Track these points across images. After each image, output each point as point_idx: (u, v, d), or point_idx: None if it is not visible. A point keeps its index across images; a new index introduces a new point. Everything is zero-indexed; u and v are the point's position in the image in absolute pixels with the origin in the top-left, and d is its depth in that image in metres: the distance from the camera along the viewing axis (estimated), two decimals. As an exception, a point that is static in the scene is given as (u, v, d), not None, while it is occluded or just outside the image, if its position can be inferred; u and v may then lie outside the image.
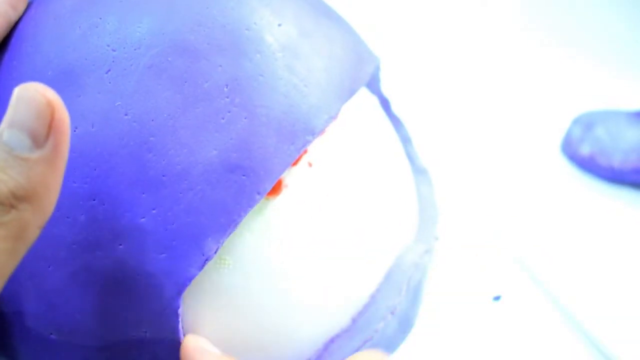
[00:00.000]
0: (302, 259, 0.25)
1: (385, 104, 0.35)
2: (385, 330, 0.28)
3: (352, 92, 0.26)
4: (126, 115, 0.23)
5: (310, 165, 0.26)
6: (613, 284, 0.40)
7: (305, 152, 0.26)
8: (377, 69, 0.33)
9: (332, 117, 0.25)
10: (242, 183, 0.23)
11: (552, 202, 0.45)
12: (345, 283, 0.27)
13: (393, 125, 0.35)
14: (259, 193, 0.23)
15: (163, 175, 0.23)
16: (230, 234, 0.23)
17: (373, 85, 0.34)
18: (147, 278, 0.23)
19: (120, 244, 0.23)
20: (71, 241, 0.23)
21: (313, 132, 0.24)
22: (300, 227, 0.25)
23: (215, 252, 0.23)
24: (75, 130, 0.23)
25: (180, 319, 0.23)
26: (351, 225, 0.27)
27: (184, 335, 0.24)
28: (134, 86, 0.23)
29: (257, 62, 0.24)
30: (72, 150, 0.23)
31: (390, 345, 0.28)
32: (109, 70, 0.23)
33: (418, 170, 0.34)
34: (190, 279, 0.23)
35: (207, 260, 0.23)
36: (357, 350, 0.27)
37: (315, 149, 0.26)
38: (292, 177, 0.25)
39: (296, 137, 0.24)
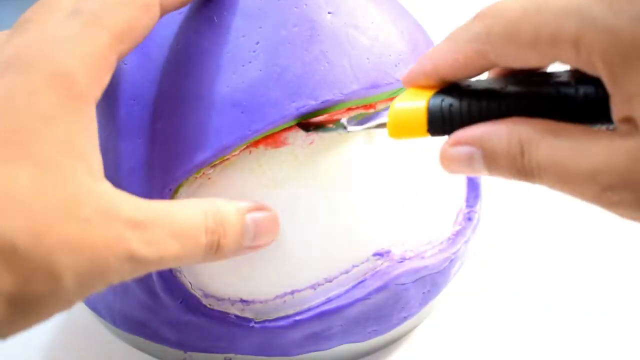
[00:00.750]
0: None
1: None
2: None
3: (376, 84, 0.30)
4: (178, 45, 0.29)
5: (312, 142, 0.30)
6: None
7: (313, 125, 0.30)
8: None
9: (345, 95, 0.29)
10: (238, 117, 0.28)
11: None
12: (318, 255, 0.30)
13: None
14: (250, 130, 0.28)
15: (183, 95, 0.29)
16: (218, 156, 0.28)
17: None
18: (149, 169, 0.29)
19: (139, 138, 0.29)
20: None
21: (316, 99, 0.28)
22: (287, 185, 0.29)
23: (203, 166, 0.28)
24: (142, 49, 0.30)
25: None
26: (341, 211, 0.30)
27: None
28: (192, 26, 0.30)
29: (292, 32, 0.29)
30: (133, 64, 0.30)
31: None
32: (181, 12, 0.30)
33: None
34: (178, 179, 0.28)
35: (193, 168, 0.28)
36: None
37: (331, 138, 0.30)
38: (296, 139, 0.29)
39: (298, 98, 0.28)
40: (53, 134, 0.22)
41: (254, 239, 0.27)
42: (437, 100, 0.24)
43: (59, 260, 0.21)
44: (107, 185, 0.23)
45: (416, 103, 0.24)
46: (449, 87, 0.24)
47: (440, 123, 0.24)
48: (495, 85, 0.23)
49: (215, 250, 0.26)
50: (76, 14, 0.24)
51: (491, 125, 0.23)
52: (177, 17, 0.30)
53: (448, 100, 0.24)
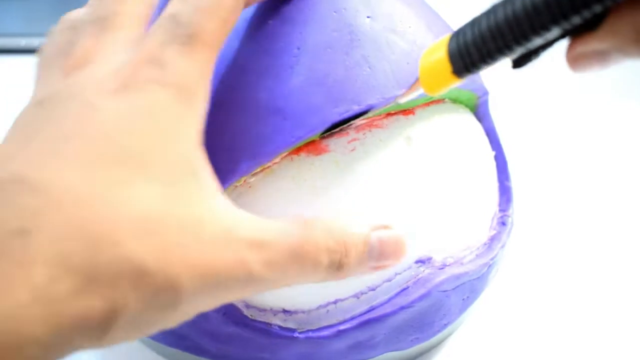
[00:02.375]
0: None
1: (492, 136, 0.37)
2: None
3: (417, 89, 0.29)
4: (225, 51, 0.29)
5: (353, 149, 0.29)
6: None
7: (358, 132, 0.29)
8: (483, 102, 0.35)
9: (387, 99, 0.29)
10: (280, 124, 0.27)
11: None
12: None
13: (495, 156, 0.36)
14: (293, 137, 0.27)
15: (223, 102, 0.28)
16: (261, 163, 0.28)
17: (481, 117, 0.36)
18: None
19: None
20: None
21: (359, 104, 0.28)
22: (329, 192, 0.29)
23: (246, 174, 0.28)
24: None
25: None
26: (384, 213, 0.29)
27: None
28: (237, 33, 0.29)
29: (332, 37, 0.29)
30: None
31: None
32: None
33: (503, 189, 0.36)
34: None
35: (236, 177, 0.27)
36: None
37: (370, 136, 0.30)
38: (337, 146, 0.29)
39: (341, 103, 0.28)
40: (177, 152, 0.22)
41: (379, 259, 0.26)
42: (453, 39, 0.24)
43: (183, 283, 0.21)
44: (227, 203, 0.23)
45: (438, 51, 0.25)
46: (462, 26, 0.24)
47: (460, 59, 0.24)
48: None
49: (336, 269, 0.25)
50: (176, 23, 0.24)
51: None
52: (214, 24, 0.30)
53: (461, 33, 0.23)
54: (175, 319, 0.22)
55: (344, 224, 0.25)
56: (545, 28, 0.20)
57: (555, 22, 0.20)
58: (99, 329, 0.20)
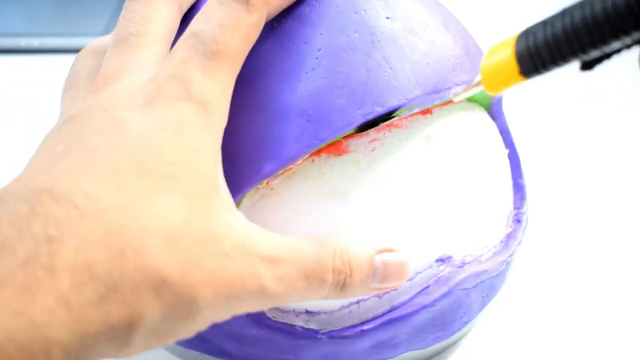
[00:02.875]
0: (339, 226, 0.29)
1: (505, 134, 0.37)
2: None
3: (437, 89, 0.29)
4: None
5: (374, 149, 0.29)
6: None
7: (378, 132, 0.29)
8: (497, 101, 0.35)
9: (409, 100, 0.29)
10: (305, 126, 0.27)
11: None
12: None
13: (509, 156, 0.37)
14: (317, 139, 0.27)
15: (246, 104, 0.28)
16: (284, 166, 0.28)
17: (495, 116, 0.36)
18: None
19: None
20: None
21: (382, 105, 0.28)
22: (350, 193, 0.29)
23: (269, 176, 0.28)
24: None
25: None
26: (406, 214, 0.30)
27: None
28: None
29: (353, 39, 0.29)
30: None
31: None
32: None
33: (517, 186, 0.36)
34: (242, 191, 0.28)
35: (259, 179, 0.27)
36: None
37: (390, 136, 0.30)
38: (358, 147, 0.29)
39: (364, 104, 0.28)
40: (199, 167, 0.23)
41: (382, 281, 0.27)
42: (521, 39, 0.24)
43: (201, 295, 0.21)
44: (242, 218, 0.24)
45: (503, 50, 0.24)
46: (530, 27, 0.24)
47: (529, 60, 0.23)
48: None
49: (340, 288, 0.26)
50: (199, 40, 0.24)
51: None
52: (233, 25, 0.30)
53: (531, 33, 0.23)
54: (192, 329, 0.22)
55: (351, 245, 0.27)
56: (626, 33, 0.20)
57: (637, 27, 0.20)
58: (121, 336, 0.20)
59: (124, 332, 0.20)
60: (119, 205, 0.21)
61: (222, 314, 0.23)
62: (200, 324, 0.23)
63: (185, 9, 0.29)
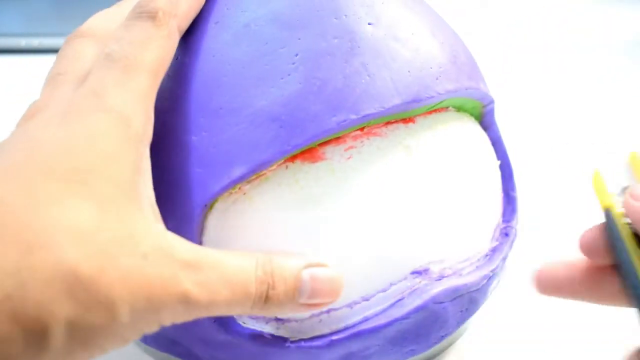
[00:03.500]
0: (312, 233, 0.28)
1: (498, 145, 0.36)
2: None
3: (417, 98, 0.29)
4: (213, 56, 0.29)
5: (350, 157, 0.29)
6: None
7: (355, 140, 0.29)
8: (489, 111, 0.35)
9: (387, 109, 0.28)
10: (277, 132, 0.27)
11: None
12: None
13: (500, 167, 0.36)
14: (289, 145, 0.27)
15: (220, 108, 0.28)
16: (256, 171, 0.27)
17: (487, 126, 0.35)
18: (184, 184, 0.28)
19: (174, 152, 0.28)
20: None
21: (357, 113, 0.28)
22: (325, 200, 0.28)
23: (240, 181, 0.27)
24: (177, 59, 0.29)
25: (201, 232, 0.28)
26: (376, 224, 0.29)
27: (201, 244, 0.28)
28: (228, 37, 0.29)
29: (332, 44, 0.28)
30: (168, 76, 0.29)
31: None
32: (217, 22, 0.29)
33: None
34: (214, 195, 0.27)
35: (230, 183, 0.27)
36: None
37: (368, 145, 0.29)
38: (334, 154, 0.29)
39: (339, 111, 0.27)
40: (114, 174, 0.23)
41: (311, 296, 0.27)
42: None
43: (118, 294, 0.21)
44: (162, 227, 0.24)
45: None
46: None
47: None
48: None
49: (264, 301, 0.26)
50: (111, 60, 0.25)
51: None
52: (213, 28, 0.29)
53: None
54: (117, 334, 0.22)
55: (276, 258, 0.26)
56: None
57: None
58: (37, 338, 0.20)
59: (38, 333, 0.20)
60: (26, 206, 0.21)
61: (147, 321, 0.23)
62: (125, 329, 0.22)
63: None
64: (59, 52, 0.28)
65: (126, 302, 0.21)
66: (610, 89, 0.57)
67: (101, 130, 0.23)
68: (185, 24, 0.29)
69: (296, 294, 0.26)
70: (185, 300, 0.23)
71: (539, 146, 0.51)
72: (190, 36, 0.30)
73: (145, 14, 0.26)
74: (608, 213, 0.26)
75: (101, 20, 0.30)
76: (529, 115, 0.55)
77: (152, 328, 0.23)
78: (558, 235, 0.43)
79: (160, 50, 0.26)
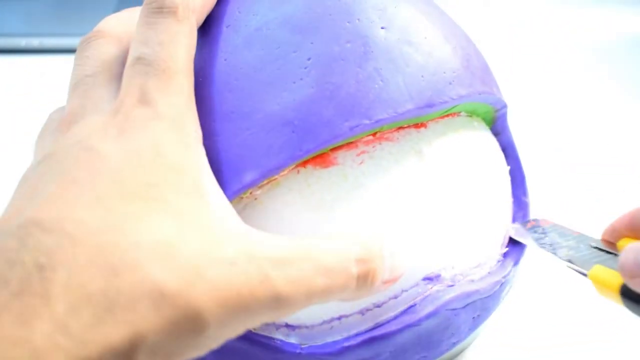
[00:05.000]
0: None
1: (510, 149, 0.36)
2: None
3: (431, 103, 0.29)
4: (225, 60, 0.28)
5: (362, 162, 0.29)
6: None
7: (367, 145, 0.29)
8: (502, 115, 0.34)
9: (400, 114, 0.28)
10: (289, 137, 0.27)
11: None
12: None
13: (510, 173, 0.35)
14: (301, 150, 0.27)
15: (232, 112, 0.27)
16: (267, 176, 0.27)
17: (499, 131, 0.35)
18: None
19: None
20: None
21: (370, 118, 0.27)
22: (336, 206, 0.28)
23: (252, 186, 0.27)
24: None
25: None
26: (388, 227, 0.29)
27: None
28: (240, 40, 0.29)
29: (345, 49, 0.28)
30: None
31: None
32: (229, 25, 0.29)
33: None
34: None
35: (242, 189, 0.27)
36: None
37: (380, 150, 0.29)
38: (346, 159, 0.28)
39: (352, 117, 0.27)
40: (183, 183, 0.23)
41: (390, 273, 0.26)
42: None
43: (206, 307, 0.21)
44: (242, 224, 0.24)
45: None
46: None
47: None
48: None
49: (366, 281, 0.25)
50: (145, 63, 0.25)
51: None
52: (224, 31, 0.29)
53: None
54: (201, 346, 0.22)
55: (364, 234, 0.26)
56: None
57: None
58: (125, 358, 0.20)
59: (127, 353, 0.20)
60: (107, 227, 0.21)
61: (233, 329, 0.22)
62: (210, 340, 0.22)
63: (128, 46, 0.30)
64: (80, 53, 0.28)
65: (214, 314, 0.21)
66: (617, 90, 0.57)
67: (161, 139, 0.23)
68: (201, 19, 0.29)
69: (384, 271, 0.26)
70: (277, 299, 0.22)
71: (549, 151, 0.51)
72: (201, 39, 0.29)
73: (166, 10, 0.26)
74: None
75: (116, 21, 0.30)
76: (537, 119, 0.54)
77: (238, 333, 0.22)
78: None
79: (188, 48, 0.26)
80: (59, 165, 0.23)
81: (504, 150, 0.36)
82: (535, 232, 0.32)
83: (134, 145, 0.23)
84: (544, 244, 0.31)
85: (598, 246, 0.29)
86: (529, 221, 0.34)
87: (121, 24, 0.30)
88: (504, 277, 0.32)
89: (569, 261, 0.29)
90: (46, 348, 0.18)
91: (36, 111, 0.55)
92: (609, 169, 0.49)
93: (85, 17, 0.67)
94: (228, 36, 0.29)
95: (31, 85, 0.59)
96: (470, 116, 0.33)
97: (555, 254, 0.30)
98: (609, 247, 0.29)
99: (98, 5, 0.69)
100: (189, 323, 0.20)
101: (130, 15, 0.31)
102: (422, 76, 0.29)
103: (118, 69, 0.28)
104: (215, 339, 0.22)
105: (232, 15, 0.30)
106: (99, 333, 0.19)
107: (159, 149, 0.23)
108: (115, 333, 0.19)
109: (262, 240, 0.23)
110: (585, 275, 0.28)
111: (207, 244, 0.22)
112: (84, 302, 0.19)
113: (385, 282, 0.26)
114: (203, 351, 0.22)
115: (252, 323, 0.22)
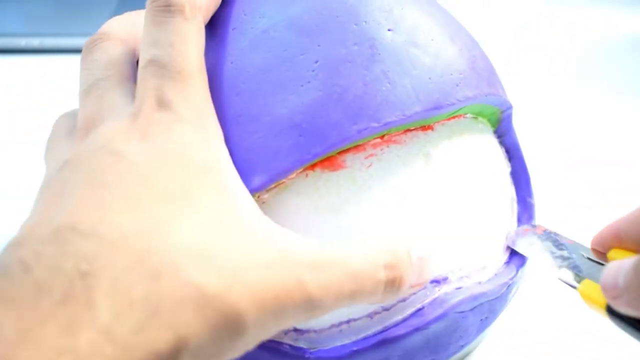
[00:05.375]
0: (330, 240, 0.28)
1: (515, 150, 0.36)
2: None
3: (438, 105, 0.28)
4: (232, 62, 0.28)
5: (370, 165, 0.28)
6: None
7: (375, 148, 0.29)
8: (507, 117, 0.34)
9: (408, 117, 0.28)
10: (297, 140, 0.27)
11: None
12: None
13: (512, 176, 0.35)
14: (309, 153, 0.27)
15: (239, 115, 0.27)
16: (275, 180, 0.27)
17: (504, 132, 0.35)
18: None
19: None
20: None
21: (378, 121, 0.27)
22: (345, 209, 0.28)
23: (260, 190, 0.27)
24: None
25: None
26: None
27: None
28: (246, 43, 0.28)
29: (352, 51, 0.28)
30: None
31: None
32: (235, 28, 0.29)
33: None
34: None
35: (250, 192, 0.27)
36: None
37: (388, 152, 0.29)
38: (354, 162, 0.28)
39: (360, 120, 0.27)
40: (213, 184, 0.23)
41: (418, 277, 0.27)
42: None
43: (245, 308, 0.21)
44: (270, 223, 0.24)
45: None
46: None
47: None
48: None
49: (395, 285, 0.25)
50: (159, 65, 0.25)
51: None
52: (230, 34, 0.29)
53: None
54: (240, 348, 0.22)
55: (392, 240, 0.26)
56: None
57: None
58: None
59: (170, 357, 0.20)
60: (143, 230, 0.21)
61: (269, 330, 0.22)
62: (246, 342, 0.22)
63: (135, 48, 0.30)
64: (86, 57, 0.28)
65: (254, 316, 0.21)
66: (621, 90, 0.57)
67: (185, 141, 0.23)
68: (207, 18, 0.28)
69: (412, 276, 0.26)
70: (310, 302, 0.22)
71: (553, 151, 0.51)
72: (206, 42, 0.29)
73: (173, 8, 0.26)
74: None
75: (119, 24, 0.30)
76: (541, 119, 0.54)
77: (272, 334, 0.23)
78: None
79: (199, 47, 0.26)
80: (83, 170, 0.23)
81: (508, 151, 0.36)
82: (530, 241, 0.32)
83: (160, 148, 0.23)
84: (537, 253, 0.31)
85: (590, 257, 0.29)
86: (525, 228, 0.33)
87: (125, 26, 0.30)
88: (511, 278, 0.32)
89: (560, 275, 0.29)
90: (91, 356, 0.18)
91: (36, 111, 0.54)
92: (615, 168, 0.49)
93: (85, 17, 0.67)
94: (234, 39, 0.29)
95: (31, 85, 0.58)
96: (476, 118, 0.33)
97: (548, 265, 0.30)
98: (600, 258, 0.29)
99: (98, 6, 0.68)
100: (230, 325, 0.20)
101: (133, 17, 0.30)
102: (430, 78, 0.29)
103: (128, 71, 0.28)
104: (251, 341, 0.22)
105: (237, 17, 0.29)
106: (143, 338, 0.19)
107: (184, 151, 0.23)
108: (159, 338, 0.19)
109: (293, 243, 0.23)
110: (575, 288, 0.28)
111: (242, 246, 0.22)
112: (128, 307, 0.19)
113: (412, 287, 0.27)
114: (238, 354, 0.22)
115: (285, 325, 0.23)
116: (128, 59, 0.28)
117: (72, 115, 0.29)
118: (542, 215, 0.41)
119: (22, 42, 0.63)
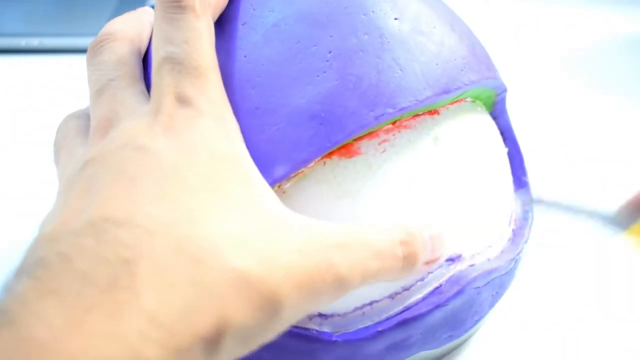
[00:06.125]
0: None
1: (508, 132, 0.37)
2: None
3: (447, 90, 0.30)
4: (245, 57, 0.29)
5: (384, 151, 0.29)
6: None
7: (388, 133, 0.29)
8: (501, 100, 0.36)
9: (419, 101, 0.29)
10: (317, 130, 0.27)
11: None
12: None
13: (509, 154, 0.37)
14: (329, 142, 0.27)
15: (257, 108, 0.28)
16: (297, 169, 0.27)
17: (498, 115, 0.36)
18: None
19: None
20: None
21: (394, 107, 0.28)
22: (362, 195, 0.29)
23: (281, 180, 0.27)
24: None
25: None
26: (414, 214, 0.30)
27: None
28: (258, 37, 0.29)
29: (363, 41, 0.29)
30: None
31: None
32: (245, 23, 0.29)
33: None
34: None
35: (272, 183, 0.27)
36: None
37: (400, 137, 0.30)
38: (369, 148, 0.29)
39: (376, 106, 0.28)
40: (238, 174, 0.24)
41: (431, 254, 0.28)
42: None
43: (284, 292, 0.21)
44: (296, 214, 0.25)
45: None
46: None
47: None
48: None
49: (410, 261, 0.27)
50: (175, 62, 0.25)
51: None
52: (241, 29, 0.29)
53: None
54: (274, 329, 0.22)
55: (406, 222, 0.28)
56: None
57: None
58: (211, 346, 0.20)
59: (214, 340, 0.20)
60: (179, 220, 0.21)
61: (303, 311, 0.23)
62: (281, 324, 0.22)
63: (141, 47, 0.30)
64: (94, 57, 0.28)
65: (291, 298, 0.22)
66: (623, 81, 0.59)
67: (209, 135, 0.24)
68: (216, 15, 0.29)
69: (425, 252, 0.28)
70: (340, 281, 0.23)
71: (551, 149, 0.52)
72: (217, 38, 0.30)
73: (184, 4, 0.26)
74: None
75: (123, 23, 0.30)
76: (538, 115, 0.56)
77: (302, 316, 0.23)
78: (570, 224, 0.44)
79: (211, 43, 0.26)
80: (108, 167, 0.23)
81: (502, 132, 0.37)
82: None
83: (185, 141, 0.23)
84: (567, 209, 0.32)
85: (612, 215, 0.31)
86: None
87: (129, 25, 0.30)
88: (517, 254, 0.34)
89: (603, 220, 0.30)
90: (139, 341, 0.18)
91: (36, 111, 0.54)
92: (614, 166, 0.50)
93: (85, 17, 0.66)
94: (245, 33, 0.29)
95: (31, 85, 0.57)
96: (474, 101, 0.34)
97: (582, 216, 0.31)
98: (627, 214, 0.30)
99: (98, 5, 0.68)
100: (270, 307, 0.21)
101: (136, 17, 0.31)
102: (437, 64, 0.30)
103: (138, 70, 0.28)
104: (285, 323, 0.23)
105: (246, 12, 0.30)
106: (188, 322, 0.19)
107: (209, 144, 0.24)
108: (203, 321, 0.20)
109: (318, 227, 0.24)
110: (621, 232, 0.29)
111: (272, 232, 0.23)
112: (172, 293, 0.19)
113: (426, 263, 0.28)
114: (272, 336, 0.22)
115: (318, 305, 0.24)
116: (137, 58, 0.29)
117: (79, 117, 0.29)
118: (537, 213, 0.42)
119: (22, 42, 0.63)
